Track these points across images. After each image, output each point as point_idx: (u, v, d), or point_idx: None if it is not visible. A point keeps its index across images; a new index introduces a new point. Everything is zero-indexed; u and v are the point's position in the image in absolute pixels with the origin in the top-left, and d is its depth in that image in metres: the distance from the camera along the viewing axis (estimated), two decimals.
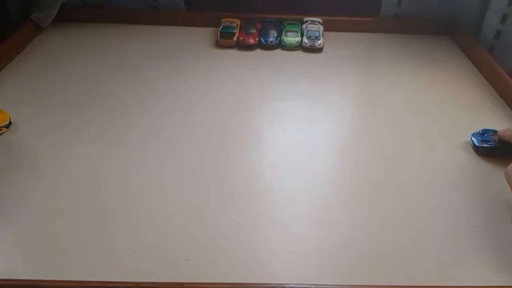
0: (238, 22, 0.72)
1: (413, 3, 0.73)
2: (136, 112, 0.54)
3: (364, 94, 0.60)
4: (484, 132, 0.49)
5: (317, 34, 0.70)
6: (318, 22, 0.72)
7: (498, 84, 0.60)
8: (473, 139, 0.49)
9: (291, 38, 0.70)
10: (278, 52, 0.69)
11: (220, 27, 0.71)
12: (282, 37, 0.70)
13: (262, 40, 0.69)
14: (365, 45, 0.72)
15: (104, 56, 0.66)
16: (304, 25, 0.72)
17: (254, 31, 0.71)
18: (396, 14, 0.75)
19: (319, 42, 0.69)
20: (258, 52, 0.69)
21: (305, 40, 0.69)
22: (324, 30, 0.72)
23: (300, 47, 0.70)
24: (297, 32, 0.71)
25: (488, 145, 0.48)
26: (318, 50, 0.69)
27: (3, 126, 0.49)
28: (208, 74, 0.63)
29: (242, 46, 0.69)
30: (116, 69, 0.63)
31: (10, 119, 0.50)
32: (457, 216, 0.41)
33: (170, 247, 0.37)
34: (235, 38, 0.69)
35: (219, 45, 0.69)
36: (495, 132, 0.49)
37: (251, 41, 0.69)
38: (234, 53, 0.68)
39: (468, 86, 0.62)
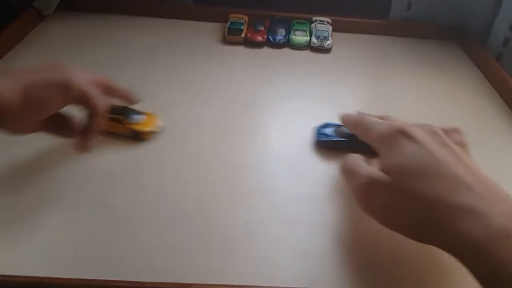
0: (246, 18, 0.71)
1: (423, 7, 0.72)
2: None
3: (372, 97, 0.59)
4: (326, 125, 0.49)
5: (326, 34, 0.69)
6: (327, 22, 0.71)
7: (504, 91, 0.60)
8: (316, 132, 0.49)
9: (300, 37, 0.69)
10: (286, 51, 0.68)
11: (228, 23, 0.70)
12: (290, 36, 0.69)
13: (270, 38, 0.68)
14: (373, 47, 0.71)
15: (107, 48, 0.64)
16: (313, 25, 0.71)
17: (262, 28, 0.70)
18: (405, 18, 0.74)
19: (328, 42, 0.68)
20: (266, 50, 0.68)
21: (314, 39, 0.68)
22: (333, 30, 0.71)
23: (309, 46, 0.69)
24: (305, 31, 0.70)
25: (328, 139, 0.47)
26: (327, 50, 0.68)
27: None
28: (215, 71, 0.61)
29: (250, 43, 0.68)
30: (119, 62, 0.61)
31: None
32: None
33: (176, 246, 0.36)
34: (242, 35, 0.68)
35: (226, 41, 0.68)
36: (338, 126, 0.48)
37: (259, 38, 0.68)
38: (241, 50, 0.67)
39: (474, 92, 0.61)
